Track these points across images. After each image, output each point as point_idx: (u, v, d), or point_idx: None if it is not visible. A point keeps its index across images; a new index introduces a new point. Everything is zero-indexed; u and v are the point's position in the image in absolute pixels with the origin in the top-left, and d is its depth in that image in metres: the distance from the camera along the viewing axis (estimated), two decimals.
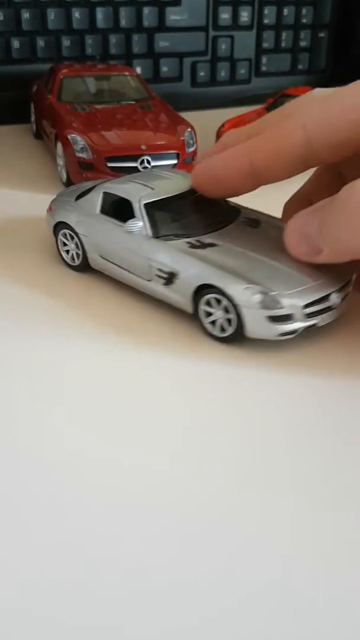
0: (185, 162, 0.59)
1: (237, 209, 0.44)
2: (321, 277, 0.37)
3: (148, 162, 0.58)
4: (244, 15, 0.91)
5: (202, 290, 0.37)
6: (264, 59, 0.94)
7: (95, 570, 0.24)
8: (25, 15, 0.80)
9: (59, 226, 0.46)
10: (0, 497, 0.27)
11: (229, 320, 0.37)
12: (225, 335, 0.37)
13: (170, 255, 0.39)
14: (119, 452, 0.30)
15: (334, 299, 0.37)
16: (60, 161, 0.62)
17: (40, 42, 0.82)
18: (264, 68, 0.95)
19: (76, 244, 0.45)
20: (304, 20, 0.95)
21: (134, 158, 0.58)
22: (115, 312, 0.41)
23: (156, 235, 0.40)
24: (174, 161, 0.59)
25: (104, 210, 0.43)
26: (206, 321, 0.38)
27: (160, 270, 0.39)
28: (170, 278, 0.39)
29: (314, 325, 0.37)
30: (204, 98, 0.92)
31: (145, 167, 0.58)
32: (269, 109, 0.71)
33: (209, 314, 0.38)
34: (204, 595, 0.23)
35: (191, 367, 0.36)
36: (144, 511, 0.27)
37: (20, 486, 0.28)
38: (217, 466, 0.29)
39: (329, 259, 0.36)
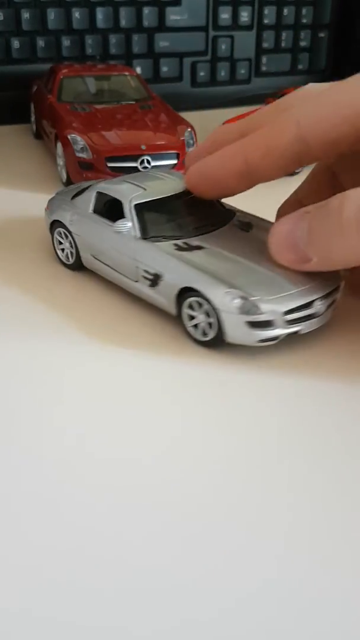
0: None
1: (231, 212, 0.43)
2: (306, 284, 0.36)
3: (148, 162, 0.58)
4: (244, 15, 0.91)
5: (185, 293, 0.37)
6: (264, 59, 0.94)
7: (95, 570, 0.24)
8: (25, 15, 0.80)
9: (55, 225, 0.46)
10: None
11: (210, 324, 0.36)
12: (206, 339, 0.37)
13: (156, 256, 0.39)
14: (117, 453, 0.30)
15: (318, 306, 0.36)
16: (60, 161, 0.62)
17: (40, 42, 0.82)
18: (264, 68, 0.95)
19: (70, 243, 0.45)
20: (304, 20, 0.95)
21: (134, 158, 0.58)
22: (106, 313, 0.41)
23: (144, 237, 0.40)
24: (174, 161, 0.59)
25: (97, 210, 0.43)
26: (189, 324, 0.38)
27: (146, 271, 0.39)
28: (155, 280, 0.39)
29: (296, 332, 0.36)
30: (204, 98, 0.92)
31: (145, 167, 0.58)
32: None
33: (192, 317, 0.37)
34: (203, 596, 0.23)
35: (186, 368, 0.36)
36: (143, 511, 0.27)
37: (20, 486, 0.28)
38: (216, 466, 0.29)
39: (317, 268, 0.35)
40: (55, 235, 0.47)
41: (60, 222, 0.46)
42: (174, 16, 0.87)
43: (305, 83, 0.40)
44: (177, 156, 0.59)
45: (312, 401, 0.33)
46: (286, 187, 0.45)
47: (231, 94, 0.94)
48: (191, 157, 0.42)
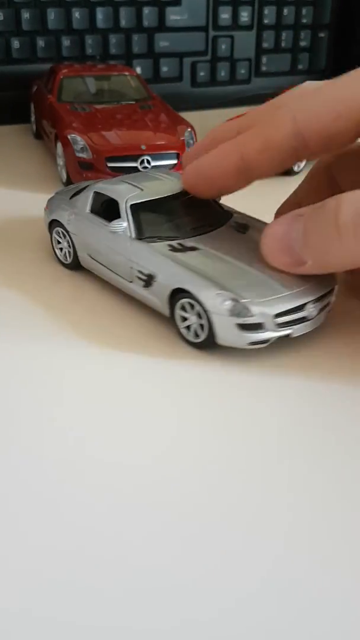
0: None
1: (229, 213, 0.43)
2: (298, 286, 0.36)
3: (148, 162, 0.58)
4: (244, 15, 0.91)
5: (178, 294, 0.37)
6: (264, 59, 0.94)
7: (95, 570, 0.24)
8: (25, 15, 0.80)
9: (53, 224, 0.47)
10: None
11: (202, 326, 0.36)
12: (198, 341, 0.37)
13: (150, 257, 0.39)
14: (116, 453, 0.30)
15: (310, 309, 0.36)
16: (60, 161, 0.62)
17: (40, 42, 0.82)
18: (264, 68, 0.95)
19: (68, 242, 0.45)
20: (304, 20, 0.95)
21: (134, 158, 0.58)
22: (103, 314, 0.41)
23: (139, 237, 0.40)
24: (174, 161, 0.59)
25: (94, 210, 0.43)
26: (182, 326, 0.38)
27: (140, 272, 0.39)
28: (148, 280, 0.39)
29: (287, 335, 0.36)
30: (204, 98, 0.92)
31: (145, 167, 0.58)
32: None
33: (184, 319, 0.37)
34: (203, 595, 0.23)
35: (183, 369, 0.36)
36: (143, 512, 0.27)
37: (19, 486, 0.28)
38: (215, 466, 0.29)
39: (312, 271, 0.35)
40: (54, 234, 0.47)
41: (59, 221, 0.46)
42: (174, 16, 0.87)
43: None
44: (177, 156, 0.59)
45: (309, 402, 0.33)
46: (286, 188, 0.45)
47: (231, 94, 0.94)
48: (188, 156, 0.42)
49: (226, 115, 0.75)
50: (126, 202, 0.41)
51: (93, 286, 0.44)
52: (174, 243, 0.39)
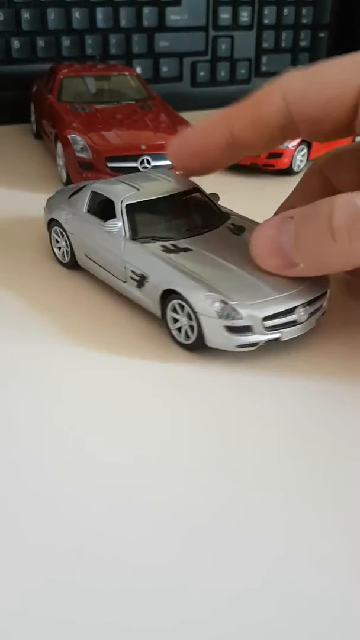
0: None
1: (225, 214, 0.43)
2: (289, 289, 0.35)
3: (148, 162, 0.58)
4: (244, 15, 0.91)
5: (169, 295, 0.37)
6: (264, 59, 0.94)
7: (94, 569, 0.24)
8: (25, 15, 0.80)
9: (52, 223, 0.47)
10: None
11: (192, 328, 0.36)
12: (189, 342, 0.37)
13: (142, 257, 0.38)
14: (115, 454, 0.30)
15: (300, 313, 0.35)
16: (60, 161, 0.62)
17: (40, 42, 0.82)
18: (264, 68, 0.95)
19: (66, 242, 0.45)
20: (304, 20, 0.95)
21: (134, 158, 0.58)
22: (100, 314, 0.41)
23: (133, 237, 0.40)
24: None
25: (91, 210, 0.43)
26: (173, 327, 0.37)
27: (133, 272, 0.39)
28: (141, 281, 0.38)
29: (277, 339, 0.35)
30: (204, 98, 0.92)
31: (145, 167, 0.58)
32: None
33: (176, 320, 0.37)
34: (202, 595, 0.23)
35: (181, 369, 0.36)
36: (142, 511, 0.27)
37: (19, 487, 0.28)
38: (214, 467, 0.29)
39: (303, 273, 0.35)
40: (53, 233, 0.47)
41: (57, 220, 0.46)
42: (174, 16, 0.87)
43: None
44: None
45: (304, 402, 0.33)
46: (286, 188, 0.45)
47: (231, 94, 0.93)
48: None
49: None
50: (122, 202, 0.40)
51: (91, 285, 0.44)
52: (168, 244, 0.39)
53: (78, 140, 0.59)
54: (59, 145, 0.61)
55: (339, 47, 0.98)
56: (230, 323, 0.34)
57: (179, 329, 0.37)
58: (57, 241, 0.47)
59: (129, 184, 0.42)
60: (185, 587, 0.23)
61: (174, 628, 0.22)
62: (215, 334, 0.35)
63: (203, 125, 0.38)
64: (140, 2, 0.85)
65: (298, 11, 0.94)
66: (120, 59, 0.86)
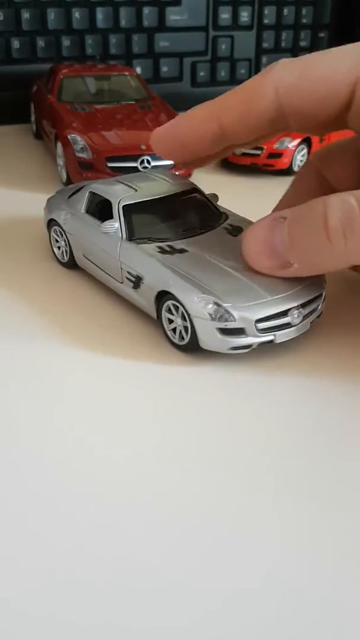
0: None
1: (224, 215, 0.43)
2: (283, 292, 0.35)
3: (148, 162, 0.58)
4: (244, 15, 0.91)
5: (164, 296, 0.37)
6: (264, 59, 0.94)
7: (94, 569, 0.24)
8: (25, 15, 0.81)
9: (52, 223, 0.47)
10: None
11: (186, 329, 0.36)
12: (183, 343, 0.37)
13: (138, 258, 0.38)
14: (114, 454, 0.30)
15: (294, 315, 0.35)
16: (60, 161, 0.62)
17: (40, 42, 0.82)
18: (264, 68, 0.95)
19: (64, 242, 0.45)
20: (304, 20, 0.95)
21: (134, 158, 0.58)
22: (98, 314, 0.41)
23: (130, 238, 0.40)
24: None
25: (89, 210, 0.43)
26: (168, 328, 0.37)
27: (129, 273, 0.39)
28: (137, 282, 0.38)
29: (270, 341, 0.35)
30: (204, 98, 0.91)
31: (145, 167, 0.58)
32: None
33: (171, 321, 0.37)
34: (203, 595, 0.23)
35: (181, 370, 0.36)
36: (142, 511, 0.27)
37: (19, 487, 0.28)
38: (214, 466, 0.29)
39: (297, 274, 0.35)
40: (52, 233, 0.47)
41: (56, 220, 0.46)
42: (174, 16, 0.87)
43: None
44: None
45: (299, 402, 0.33)
46: (285, 188, 0.45)
47: None
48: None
49: None
50: (119, 202, 0.40)
51: (90, 285, 0.44)
52: (164, 245, 0.39)
53: (78, 140, 0.59)
54: (59, 145, 0.61)
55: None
56: (223, 325, 0.34)
57: (174, 330, 0.37)
58: (57, 241, 0.47)
59: (127, 185, 0.42)
60: (185, 587, 0.23)
61: (174, 628, 0.22)
62: (209, 336, 0.35)
63: (190, 117, 0.37)
64: (140, 2, 0.85)
65: (298, 11, 0.94)
66: (120, 59, 0.86)
